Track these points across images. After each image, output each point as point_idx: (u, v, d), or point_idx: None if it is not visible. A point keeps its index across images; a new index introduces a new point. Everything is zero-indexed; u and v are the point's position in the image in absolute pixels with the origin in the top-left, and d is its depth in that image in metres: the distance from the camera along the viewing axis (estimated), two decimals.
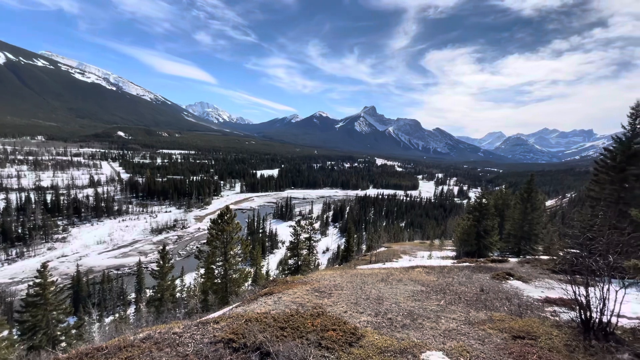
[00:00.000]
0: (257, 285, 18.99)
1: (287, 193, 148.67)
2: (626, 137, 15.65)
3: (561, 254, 14.10)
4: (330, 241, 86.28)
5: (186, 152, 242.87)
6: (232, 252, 21.29)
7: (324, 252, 76.65)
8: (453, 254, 29.79)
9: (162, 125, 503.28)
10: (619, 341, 5.25)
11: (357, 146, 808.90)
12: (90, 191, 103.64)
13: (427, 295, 8.37)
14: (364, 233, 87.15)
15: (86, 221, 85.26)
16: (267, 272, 44.75)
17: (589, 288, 5.63)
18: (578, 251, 6.63)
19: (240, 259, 22.09)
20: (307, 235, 29.06)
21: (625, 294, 5.55)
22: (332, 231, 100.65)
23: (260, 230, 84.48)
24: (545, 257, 18.71)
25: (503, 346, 5.34)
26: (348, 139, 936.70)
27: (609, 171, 15.95)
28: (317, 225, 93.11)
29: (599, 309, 5.46)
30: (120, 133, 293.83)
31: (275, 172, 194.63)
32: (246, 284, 23.02)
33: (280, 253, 73.33)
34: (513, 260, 18.02)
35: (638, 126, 15.37)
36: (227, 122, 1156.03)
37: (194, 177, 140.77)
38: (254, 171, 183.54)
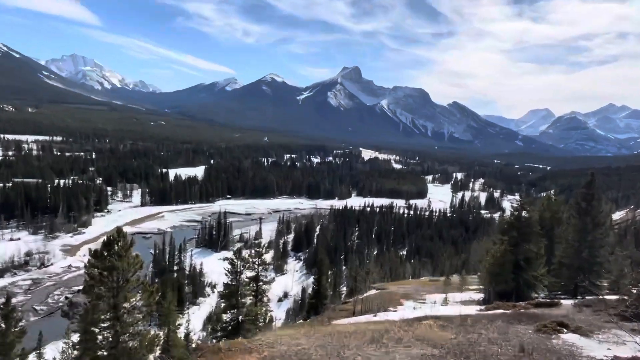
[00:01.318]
0: (171, 357, 18.49)
1: (220, 205, 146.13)
2: None
3: (635, 291, 15.11)
4: (291, 282, 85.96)
5: (48, 138, 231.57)
6: (126, 305, 20.26)
7: (280, 300, 76.06)
8: (480, 296, 31.16)
9: (6, 94, 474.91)
10: None
11: (332, 129, 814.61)
12: None
13: None
14: (343, 268, 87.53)
15: None
16: (188, 334, 43.40)
17: None
18: None
19: (141, 316, 21.18)
20: (252, 274, 28.66)
21: None
22: (294, 266, 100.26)
23: (176, 268, 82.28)
24: (613, 297, 19.92)
25: None
26: (317, 119, 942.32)
27: None
28: (268, 256, 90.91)
29: None
30: None
31: (199, 171, 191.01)
32: (152, 357, 22.19)
33: (209, 303, 71.85)
34: (567, 302, 19.05)
35: None
36: (119, 89, 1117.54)
37: (63, 181, 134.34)
38: (165, 170, 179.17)
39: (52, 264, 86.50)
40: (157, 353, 26.21)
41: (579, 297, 25.13)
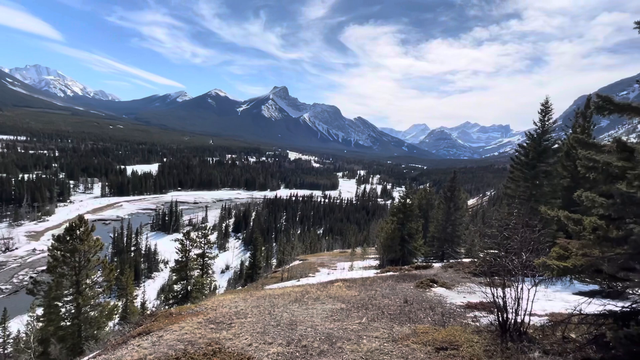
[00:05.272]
0: (128, 323, 17.41)
1: (172, 196, 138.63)
2: (537, 134, 19.46)
3: (481, 255, 16.71)
4: (232, 257, 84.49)
5: (12, 137, 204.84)
6: (88, 281, 19.08)
7: (222, 272, 74.74)
8: (377, 262, 32.53)
9: None
10: (531, 340, 6.51)
11: (265, 136, 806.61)
12: None
13: (347, 314, 8.90)
14: (274, 244, 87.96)
15: None
16: (143, 303, 41.27)
17: (506, 289, 6.81)
18: (496, 251, 7.96)
19: (101, 290, 19.93)
20: (199, 251, 28.00)
21: (536, 291, 6.90)
22: (234, 244, 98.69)
23: (133, 248, 77.40)
24: (467, 260, 21.91)
25: None
26: (253, 127, 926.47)
27: (522, 168, 19.59)
28: (213, 237, 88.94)
29: (514, 310, 6.64)
30: None
31: (154, 167, 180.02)
32: (111, 323, 21.00)
33: (162, 277, 68.88)
34: (437, 265, 20.54)
35: (547, 123, 19.28)
36: (80, 97, 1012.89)
37: (26, 175, 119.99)
38: (123, 166, 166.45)
39: (16, 248, 77.47)
40: (116, 320, 24.86)
41: (444, 260, 27.38)
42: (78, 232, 18.62)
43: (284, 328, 7.76)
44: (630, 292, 6.07)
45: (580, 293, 10.76)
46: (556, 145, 19.43)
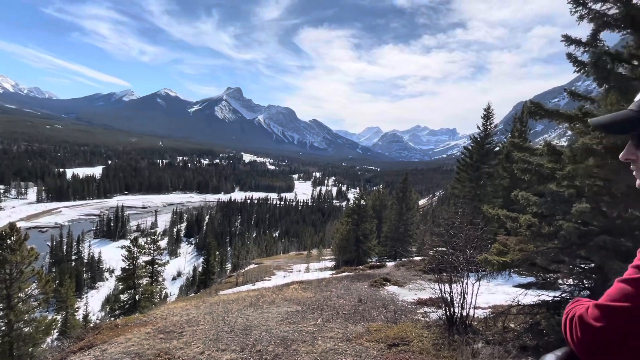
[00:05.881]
0: (68, 337, 16.21)
1: (118, 201, 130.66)
2: (480, 137, 20.75)
3: (430, 253, 17.43)
4: (184, 263, 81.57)
5: None
6: (21, 295, 17.50)
7: (174, 279, 72.01)
8: (332, 263, 33.04)
9: None
10: (475, 332, 6.91)
11: (218, 137, 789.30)
12: None
13: (303, 316, 8.90)
14: (229, 249, 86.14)
15: None
16: (86, 316, 38.58)
17: (453, 284, 7.18)
18: (444, 249, 8.37)
19: (37, 303, 18.37)
20: (148, 258, 26.83)
21: (479, 286, 7.33)
22: (186, 249, 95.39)
23: (74, 257, 72.16)
24: (418, 258, 22.77)
25: (379, 358, 6.22)
26: (206, 128, 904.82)
27: (467, 170, 20.79)
28: (163, 242, 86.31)
29: (460, 304, 7.02)
30: None
31: (97, 170, 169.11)
32: (49, 339, 19.49)
33: (107, 286, 64.97)
34: (390, 264, 21.14)
35: (489, 127, 20.63)
36: (12, 94, 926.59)
37: None
38: (62, 170, 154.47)
39: None
40: (55, 335, 23.07)
41: (397, 259, 28.33)
42: (9, 242, 17.00)
43: (238, 333, 7.62)
44: (561, 282, 6.62)
45: (519, 285, 11.56)
46: (497, 148, 20.85)
